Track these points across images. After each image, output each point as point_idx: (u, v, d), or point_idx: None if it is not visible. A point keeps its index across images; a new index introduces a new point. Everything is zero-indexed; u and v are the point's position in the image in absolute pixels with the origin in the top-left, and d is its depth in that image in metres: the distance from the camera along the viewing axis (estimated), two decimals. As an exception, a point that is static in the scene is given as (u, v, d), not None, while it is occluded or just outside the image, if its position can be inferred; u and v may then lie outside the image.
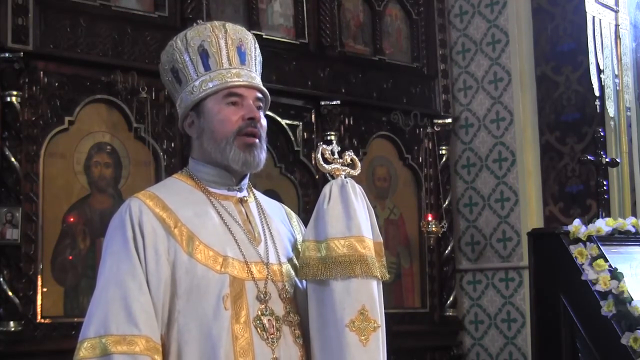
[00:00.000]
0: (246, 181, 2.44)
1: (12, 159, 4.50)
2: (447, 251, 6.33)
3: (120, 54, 4.90)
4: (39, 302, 4.54)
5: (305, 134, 5.72)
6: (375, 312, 2.24)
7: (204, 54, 2.37)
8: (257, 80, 2.42)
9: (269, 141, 6.27)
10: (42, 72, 4.68)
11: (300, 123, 5.73)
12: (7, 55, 4.52)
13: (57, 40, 4.71)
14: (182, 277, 2.21)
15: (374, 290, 2.26)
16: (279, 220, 2.50)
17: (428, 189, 6.33)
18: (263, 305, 2.26)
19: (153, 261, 2.21)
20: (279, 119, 5.59)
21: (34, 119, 4.63)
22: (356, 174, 2.37)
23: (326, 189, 2.32)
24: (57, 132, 4.71)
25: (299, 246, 2.38)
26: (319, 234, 2.28)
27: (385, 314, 2.30)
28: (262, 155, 2.38)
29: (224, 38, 2.39)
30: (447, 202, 6.37)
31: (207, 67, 2.37)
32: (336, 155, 2.36)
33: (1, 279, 4.43)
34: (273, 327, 2.25)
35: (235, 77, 2.36)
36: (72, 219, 4.71)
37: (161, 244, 2.23)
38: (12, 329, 4.41)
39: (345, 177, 2.34)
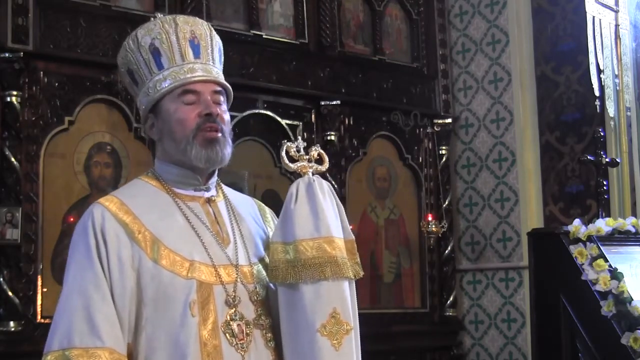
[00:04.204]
0: (214, 180, 2.35)
1: (12, 159, 4.50)
2: (447, 251, 6.33)
3: (121, 54, 4.90)
4: (39, 302, 4.54)
5: (305, 134, 5.72)
6: (348, 314, 2.18)
7: (156, 53, 2.28)
8: (214, 72, 2.32)
9: (269, 141, 6.25)
10: (42, 72, 4.68)
11: (300, 123, 5.73)
12: (7, 55, 4.52)
13: (57, 40, 4.71)
14: (148, 284, 2.15)
15: (346, 292, 2.19)
16: (251, 218, 2.41)
17: (428, 189, 6.33)
18: (232, 310, 2.19)
19: (117, 270, 2.14)
20: (279, 119, 5.59)
21: (34, 119, 4.63)
22: (324, 170, 2.29)
23: (292, 188, 2.23)
24: (57, 132, 4.71)
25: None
26: (287, 236, 2.20)
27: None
28: (227, 150, 2.27)
29: (174, 33, 2.29)
30: (447, 202, 6.37)
31: (160, 66, 2.28)
32: (302, 152, 2.28)
33: (1, 279, 4.44)
34: (243, 333, 2.19)
35: (189, 72, 2.26)
36: (72, 219, 4.70)
37: (124, 250, 2.16)
38: (12, 329, 4.42)
39: (312, 175, 2.26)
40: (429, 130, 6.38)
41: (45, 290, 4.56)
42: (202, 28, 2.35)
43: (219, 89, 2.31)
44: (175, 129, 2.25)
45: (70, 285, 2.16)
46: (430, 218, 6.13)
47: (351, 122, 6.00)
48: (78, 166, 4.78)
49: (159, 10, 5.12)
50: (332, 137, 5.78)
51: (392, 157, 6.29)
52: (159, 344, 2.13)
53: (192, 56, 2.29)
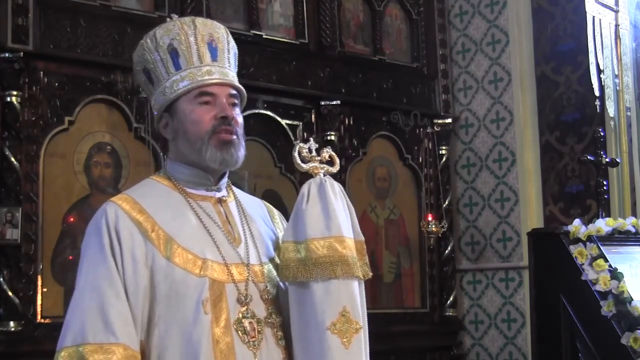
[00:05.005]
0: (225, 180, 2.39)
1: (12, 159, 4.50)
2: (447, 251, 6.33)
3: (120, 54, 4.90)
4: (39, 302, 4.54)
5: (305, 134, 5.72)
6: (357, 313, 2.21)
7: (174, 53, 2.31)
8: (230, 76, 2.37)
9: (269, 141, 6.25)
10: (42, 72, 4.68)
11: (300, 123, 5.73)
12: (7, 55, 4.52)
13: (57, 40, 4.71)
14: (161, 282, 2.17)
15: (355, 291, 2.23)
16: (260, 219, 2.44)
17: (428, 189, 6.33)
18: (244, 308, 2.22)
19: (130, 267, 2.17)
20: (279, 119, 5.59)
21: (34, 119, 4.63)
22: (335, 171, 2.32)
23: (304, 189, 2.27)
24: (57, 132, 4.71)
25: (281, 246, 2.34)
26: (298, 235, 2.23)
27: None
28: (240, 152, 2.31)
29: (193, 35, 2.32)
30: (447, 202, 6.37)
31: (177, 67, 2.31)
32: (314, 153, 2.32)
33: (1, 279, 4.43)
34: (254, 330, 2.21)
35: (207, 75, 2.30)
36: (72, 219, 4.71)
37: (138, 249, 2.19)
38: (12, 329, 4.41)
39: (323, 176, 2.29)
40: (429, 130, 6.38)
41: (45, 290, 4.56)
42: (220, 32, 2.39)
43: (234, 92, 2.35)
44: (190, 130, 2.28)
45: (83, 282, 2.19)
46: (430, 218, 6.13)
47: (351, 122, 5.99)
48: (78, 166, 4.78)
49: (159, 10, 5.12)
50: (332, 137, 5.78)
51: (392, 157, 6.29)
52: (172, 341, 2.15)
53: (209, 59, 2.33)
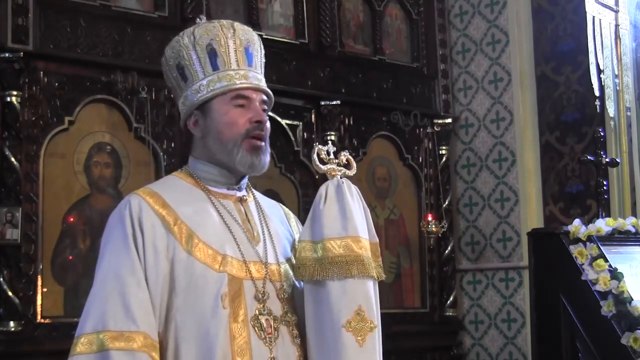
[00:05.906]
0: (245, 180, 2.45)
1: (12, 159, 4.50)
2: (447, 251, 6.33)
3: (120, 54, 4.90)
4: (39, 302, 4.53)
5: (305, 134, 5.72)
6: (372, 313, 2.24)
7: (212, 53, 2.37)
8: (263, 82, 2.43)
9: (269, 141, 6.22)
10: (42, 72, 4.68)
11: (300, 123, 5.73)
12: (7, 55, 4.52)
13: (57, 40, 4.71)
14: (181, 274, 2.21)
15: (370, 291, 2.26)
16: (278, 220, 2.50)
17: (428, 189, 6.33)
18: (261, 305, 2.26)
19: (152, 258, 2.21)
20: (279, 119, 5.58)
21: (34, 119, 4.63)
22: (352, 174, 2.37)
23: (322, 190, 2.32)
24: (57, 132, 4.71)
25: (297, 246, 2.38)
26: (315, 235, 2.28)
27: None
28: (267, 158, 2.40)
29: (232, 38, 2.38)
30: (447, 202, 6.37)
31: (215, 67, 2.36)
32: (332, 156, 2.37)
33: (1, 279, 4.43)
34: (271, 327, 2.25)
35: (243, 78, 2.36)
36: (72, 219, 4.71)
37: (160, 241, 2.23)
38: (12, 329, 4.41)
39: (341, 178, 2.34)
40: (429, 130, 6.38)
41: (45, 290, 4.56)
42: (255, 39, 2.45)
43: (266, 98, 2.41)
44: (224, 130, 2.34)
45: (105, 271, 2.22)
46: (430, 218, 6.13)
47: (351, 122, 5.99)
48: (78, 166, 4.78)
49: (159, 10, 5.12)
50: (332, 137, 5.77)
51: (392, 157, 6.29)
52: (189, 334, 2.19)
53: (246, 64, 2.39)
